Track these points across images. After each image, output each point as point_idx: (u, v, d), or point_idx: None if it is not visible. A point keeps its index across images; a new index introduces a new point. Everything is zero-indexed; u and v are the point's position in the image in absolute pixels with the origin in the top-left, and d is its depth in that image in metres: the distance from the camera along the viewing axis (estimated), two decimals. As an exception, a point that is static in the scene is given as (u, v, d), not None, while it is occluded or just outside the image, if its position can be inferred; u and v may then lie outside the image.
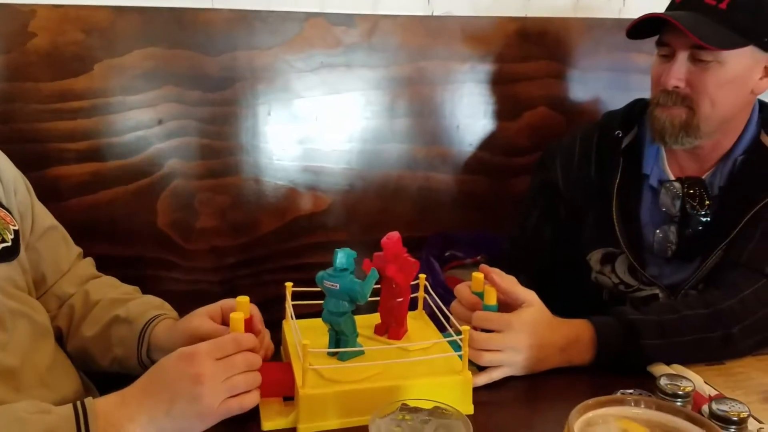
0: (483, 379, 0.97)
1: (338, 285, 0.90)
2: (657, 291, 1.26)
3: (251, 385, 0.83)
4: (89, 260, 1.18)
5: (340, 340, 0.94)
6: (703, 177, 1.23)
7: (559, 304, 1.06)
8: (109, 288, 1.11)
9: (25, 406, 0.78)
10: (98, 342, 1.04)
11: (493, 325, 0.98)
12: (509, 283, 1.02)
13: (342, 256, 0.91)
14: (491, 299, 1.00)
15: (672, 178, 1.25)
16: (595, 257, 1.33)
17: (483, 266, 1.04)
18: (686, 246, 1.23)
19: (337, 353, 0.94)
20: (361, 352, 0.95)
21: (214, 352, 0.81)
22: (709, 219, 1.20)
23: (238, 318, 0.87)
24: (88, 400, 0.79)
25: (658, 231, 1.25)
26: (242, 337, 0.85)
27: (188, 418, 0.79)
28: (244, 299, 0.92)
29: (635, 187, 1.28)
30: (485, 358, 0.97)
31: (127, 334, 1.01)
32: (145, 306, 1.05)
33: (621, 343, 1.02)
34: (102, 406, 0.79)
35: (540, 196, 1.41)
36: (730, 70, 1.14)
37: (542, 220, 1.40)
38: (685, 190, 1.21)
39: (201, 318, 0.97)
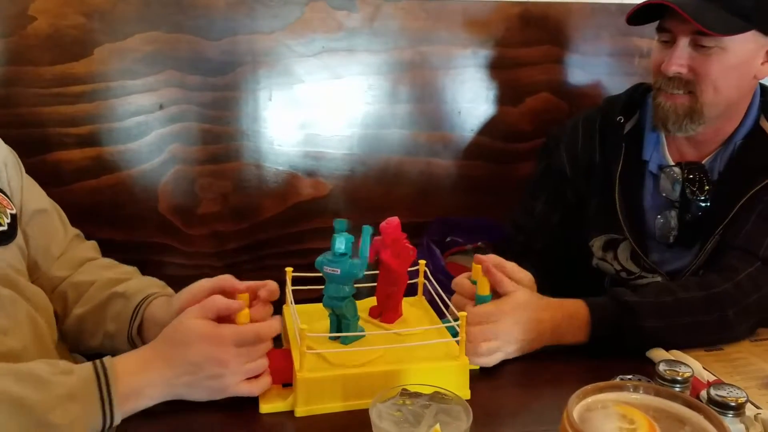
0: (482, 360, 0.98)
1: (339, 270, 0.90)
2: (659, 278, 1.26)
3: (262, 370, 0.88)
4: (92, 244, 1.17)
5: (342, 324, 0.94)
6: (703, 162, 1.23)
7: (560, 291, 1.07)
8: (104, 269, 1.10)
9: (44, 366, 0.79)
10: (91, 319, 1.03)
11: (483, 319, 0.98)
12: (500, 276, 1.02)
13: (341, 241, 0.90)
14: (485, 290, 1.00)
15: (672, 163, 1.25)
16: (597, 244, 1.33)
17: (477, 256, 1.03)
18: (687, 231, 1.23)
19: (338, 337, 0.94)
20: (362, 335, 0.95)
21: (238, 340, 0.85)
22: (708, 204, 1.20)
23: (244, 314, 0.88)
24: (108, 361, 0.81)
25: (659, 216, 1.25)
26: (264, 332, 0.88)
27: (204, 390, 0.84)
28: (243, 296, 0.93)
29: (638, 173, 1.28)
30: (482, 348, 0.97)
31: (123, 308, 1.01)
32: (145, 283, 1.06)
33: (616, 324, 1.02)
34: (122, 368, 0.81)
35: (546, 181, 1.40)
36: (732, 56, 1.13)
37: (550, 205, 1.39)
38: (685, 175, 1.21)
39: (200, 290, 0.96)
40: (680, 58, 1.14)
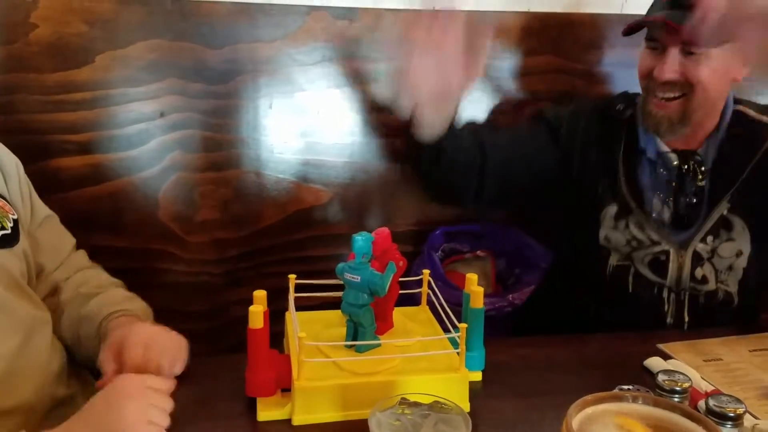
0: None
1: (359, 278, 0.90)
2: (668, 247, 1.30)
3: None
4: (82, 252, 1.18)
5: (358, 332, 0.94)
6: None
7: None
8: (83, 283, 1.10)
9: None
10: (73, 338, 1.05)
11: None
12: None
13: (360, 240, 0.91)
14: (477, 302, 0.99)
15: (668, 149, 1.30)
16: (609, 213, 1.35)
17: None
18: (685, 212, 1.29)
19: (353, 345, 0.95)
20: (378, 344, 0.95)
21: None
22: (704, 186, 1.27)
23: (257, 311, 0.88)
24: None
25: (655, 200, 1.31)
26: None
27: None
28: (261, 293, 0.92)
29: (638, 158, 1.34)
30: None
31: (90, 332, 1.02)
32: (103, 301, 1.05)
33: None
34: None
35: (538, 130, 1.43)
36: (715, 59, 1.20)
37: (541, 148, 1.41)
38: (681, 160, 1.28)
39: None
40: (673, 65, 1.22)
